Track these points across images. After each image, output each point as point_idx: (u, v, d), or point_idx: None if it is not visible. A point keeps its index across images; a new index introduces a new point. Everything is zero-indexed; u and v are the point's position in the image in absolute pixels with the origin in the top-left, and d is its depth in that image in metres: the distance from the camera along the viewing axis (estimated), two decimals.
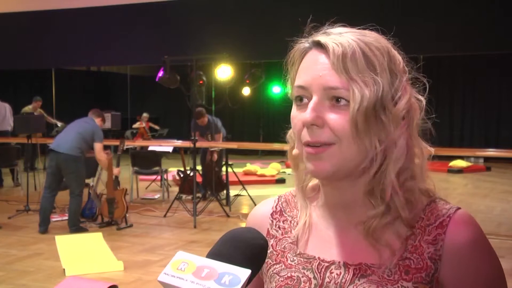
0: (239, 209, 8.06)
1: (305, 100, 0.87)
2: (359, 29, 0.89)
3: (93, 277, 4.71)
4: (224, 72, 7.70)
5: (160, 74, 7.58)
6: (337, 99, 0.84)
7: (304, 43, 0.90)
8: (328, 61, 0.85)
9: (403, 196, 0.87)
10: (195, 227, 6.85)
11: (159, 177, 9.32)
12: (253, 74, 8.64)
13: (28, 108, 10.96)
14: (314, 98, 0.85)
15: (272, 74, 13.13)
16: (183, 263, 0.72)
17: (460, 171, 12.16)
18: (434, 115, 0.92)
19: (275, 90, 15.34)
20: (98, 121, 6.74)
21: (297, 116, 0.88)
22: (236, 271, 0.70)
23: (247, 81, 8.82)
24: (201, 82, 7.71)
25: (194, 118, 8.34)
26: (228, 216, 7.43)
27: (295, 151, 0.92)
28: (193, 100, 7.59)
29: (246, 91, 11.86)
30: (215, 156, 8.52)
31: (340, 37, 0.85)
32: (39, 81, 13.89)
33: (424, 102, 0.90)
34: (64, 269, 4.97)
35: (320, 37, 0.87)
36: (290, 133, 0.95)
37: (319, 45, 0.87)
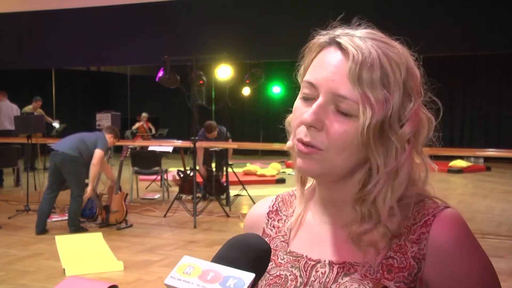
0: (239, 209, 8.07)
1: (310, 99, 0.86)
2: (384, 35, 0.87)
3: (93, 277, 4.71)
4: (224, 72, 7.69)
5: (160, 74, 7.58)
6: (343, 111, 0.83)
7: (324, 36, 0.88)
8: (344, 66, 0.83)
9: (397, 209, 0.86)
10: (195, 227, 6.85)
11: (159, 177, 9.32)
12: (253, 74, 8.64)
13: (28, 108, 10.99)
14: (320, 100, 0.84)
15: (272, 74, 13.16)
16: (189, 267, 0.73)
17: (460, 171, 12.17)
18: (437, 118, 0.92)
19: (275, 90, 15.35)
20: (109, 137, 6.60)
21: (300, 110, 0.87)
22: (240, 275, 0.71)
23: (247, 81, 8.82)
24: (201, 82, 7.71)
25: (204, 130, 8.36)
26: (228, 216, 7.44)
27: (289, 143, 0.92)
28: (193, 100, 7.59)
29: (246, 91, 11.87)
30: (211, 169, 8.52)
31: (363, 42, 0.83)
32: (39, 81, 13.90)
33: (434, 122, 0.89)
34: (64, 269, 4.97)
35: (342, 37, 0.85)
36: (289, 119, 0.95)
37: (339, 45, 0.85)
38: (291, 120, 0.91)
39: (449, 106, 14.58)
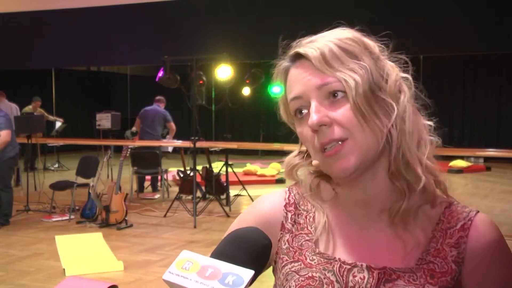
0: (239, 209, 8.06)
1: (305, 111, 0.87)
2: (327, 29, 0.91)
3: (93, 277, 4.70)
4: (224, 72, 7.69)
5: (160, 74, 7.58)
6: (334, 94, 0.85)
7: (283, 63, 0.93)
8: (311, 66, 0.86)
9: (426, 168, 0.89)
10: (195, 227, 6.85)
11: (159, 177, 9.32)
12: (253, 74, 8.64)
13: (28, 108, 10.99)
14: (313, 102, 0.86)
15: (272, 74, 13.16)
16: (187, 262, 0.72)
17: (460, 171, 12.15)
18: (434, 117, 0.93)
19: (275, 90, 15.34)
20: None
21: (304, 127, 0.88)
22: (239, 272, 0.70)
23: (247, 81, 8.82)
24: (201, 82, 7.71)
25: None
26: (228, 216, 7.43)
27: (315, 162, 0.91)
28: (193, 100, 7.59)
29: (246, 91, 11.85)
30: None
31: (314, 42, 0.88)
32: (39, 81, 13.90)
33: (410, 79, 0.91)
34: (64, 269, 4.97)
35: (296, 49, 0.90)
36: (288, 159, 0.98)
37: (297, 57, 0.89)
38: (305, 145, 0.92)
39: (449, 106, 14.58)
